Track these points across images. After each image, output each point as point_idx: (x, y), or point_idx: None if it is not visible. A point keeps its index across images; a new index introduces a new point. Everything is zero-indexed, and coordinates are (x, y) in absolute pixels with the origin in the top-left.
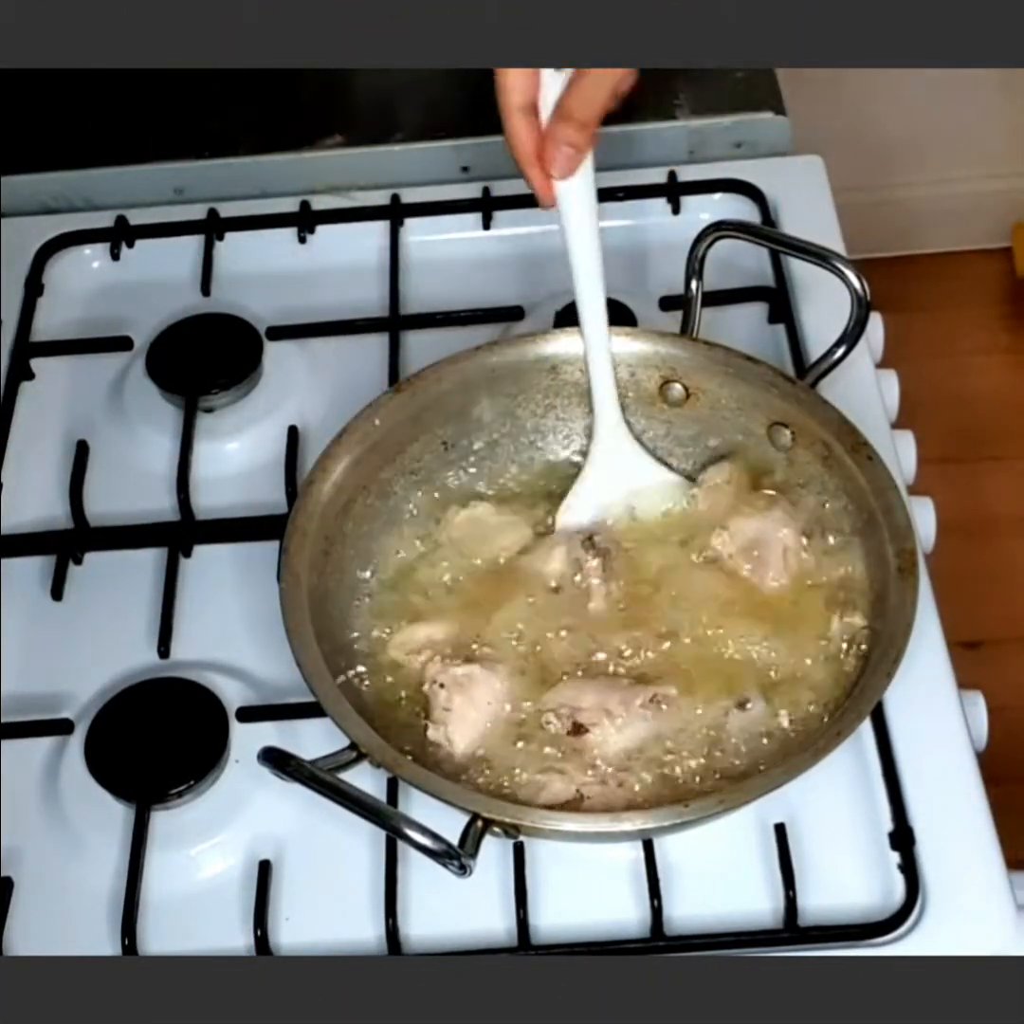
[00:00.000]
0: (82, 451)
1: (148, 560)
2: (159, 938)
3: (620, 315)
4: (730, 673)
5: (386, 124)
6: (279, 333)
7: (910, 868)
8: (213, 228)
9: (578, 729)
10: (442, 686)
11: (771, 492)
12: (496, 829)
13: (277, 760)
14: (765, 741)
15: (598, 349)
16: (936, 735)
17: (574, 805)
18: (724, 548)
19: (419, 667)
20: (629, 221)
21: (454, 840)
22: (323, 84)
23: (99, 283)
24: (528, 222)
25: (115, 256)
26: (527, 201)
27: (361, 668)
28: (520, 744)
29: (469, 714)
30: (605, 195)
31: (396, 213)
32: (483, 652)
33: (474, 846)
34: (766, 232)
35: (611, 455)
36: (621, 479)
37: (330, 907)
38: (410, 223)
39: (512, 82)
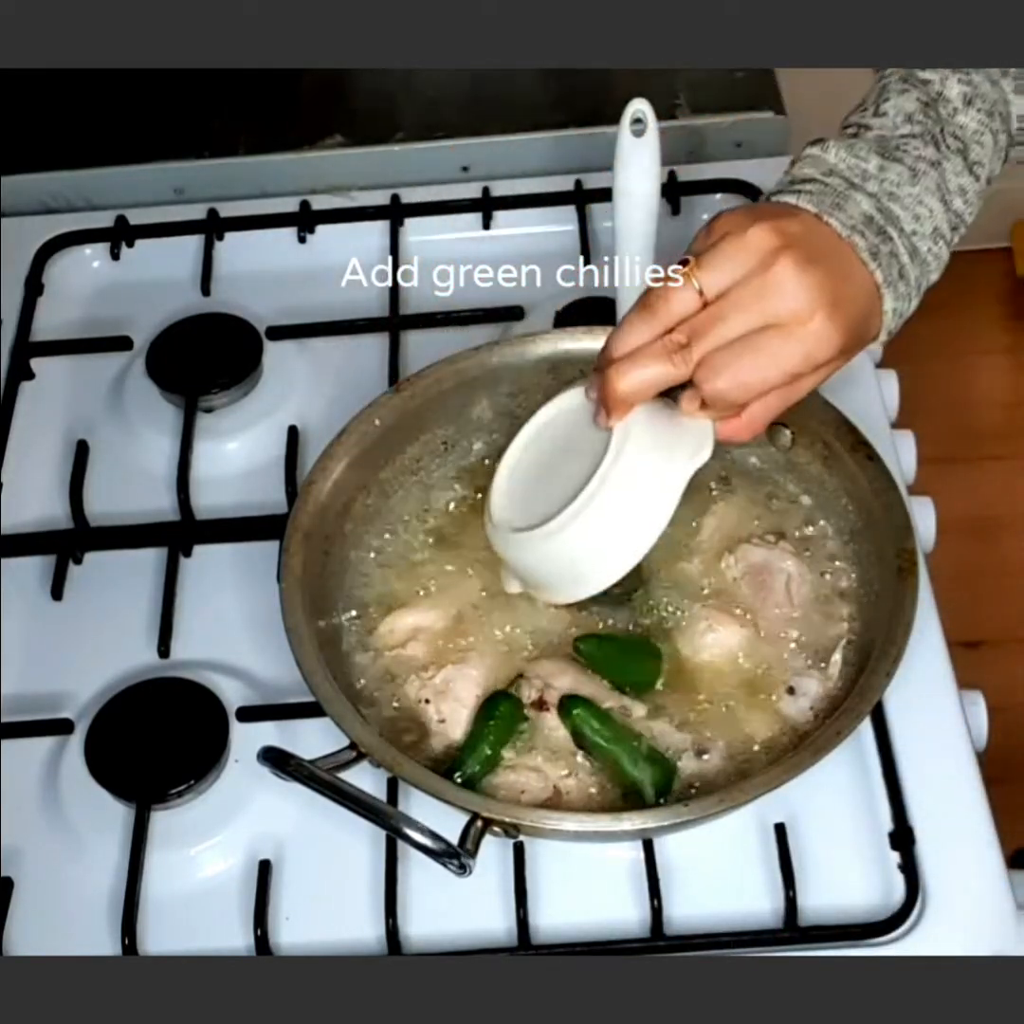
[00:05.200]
0: (82, 451)
1: (148, 560)
2: (159, 938)
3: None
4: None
5: (386, 124)
6: (279, 333)
7: (910, 868)
8: (213, 228)
9: (541, 704)
10: (428, 701)
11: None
12: (496, 829)
13: (277, 760)
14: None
15: None
16: (936, 735)
17: (554, 802)
18: (729, 571)
19: (411, 656)
20: None
21: (454, 840)
22: (323, 84)
23: (99, 283)
24: (528, 222)
25: (115, 256)
26: (527, 201)
27: (360, 667)
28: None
29: (462, 714)
30: (604, 195)
31: (396, 213)
32: (455, 647)
33: (474, 846)
34: None
35: None
36: None
37: (330, 907)
38: (410, 223)
39: None
